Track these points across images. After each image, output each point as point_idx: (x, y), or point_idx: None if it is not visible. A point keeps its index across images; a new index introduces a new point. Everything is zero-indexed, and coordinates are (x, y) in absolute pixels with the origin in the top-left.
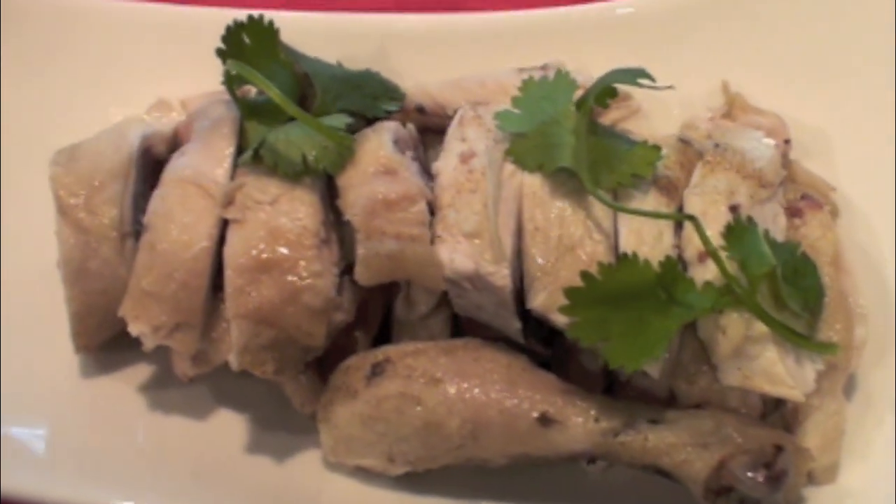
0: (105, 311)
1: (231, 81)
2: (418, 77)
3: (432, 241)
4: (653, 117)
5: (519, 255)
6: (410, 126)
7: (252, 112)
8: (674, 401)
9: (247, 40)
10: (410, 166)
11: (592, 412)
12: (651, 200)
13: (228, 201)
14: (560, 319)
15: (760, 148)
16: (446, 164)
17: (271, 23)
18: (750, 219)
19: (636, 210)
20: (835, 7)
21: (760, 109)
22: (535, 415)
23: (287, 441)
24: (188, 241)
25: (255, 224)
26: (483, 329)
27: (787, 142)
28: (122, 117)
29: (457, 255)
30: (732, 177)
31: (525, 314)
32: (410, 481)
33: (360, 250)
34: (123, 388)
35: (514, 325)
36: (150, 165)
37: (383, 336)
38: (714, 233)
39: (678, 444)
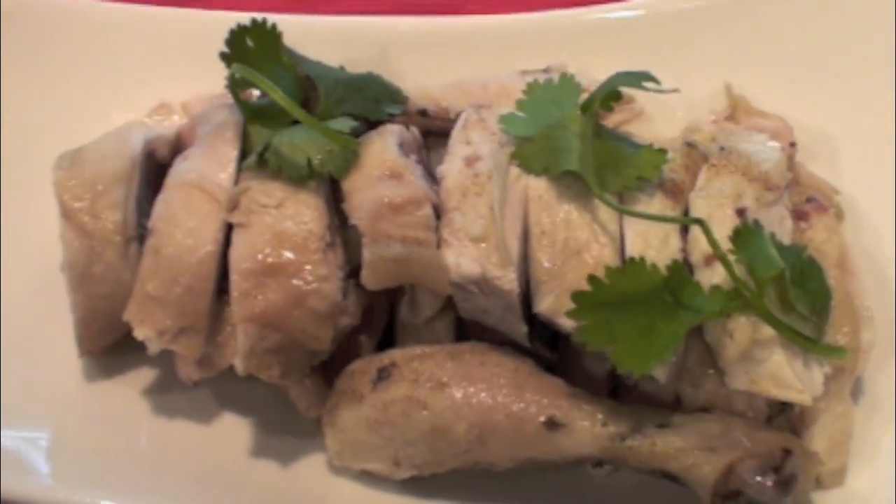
0: (109, 315)
1: (235, 85)
2: (420, 80)
3: (438, 245)
4: (655, 120)
5: (525, 259)
6: (414, 129)
7: (255, 116)
8: (679, 404)
9: (250, 44)
10: (415, 170)
11: (599, 416)
12: (657, 204)
13: (233, 205)
14: (567, 323)
15: (766, 151)
16: (451, 167)
17: (274, 26)
18: (757, 222)
19: (644, 214)
20: (837, 10)
21: (764, 112)
22: (542, 419)
23: (292, 445)
24: (193, 245)
25: (260, 228)
26: (488, 332)
27: (792, 145)
28: (124, 121)
29: (463, 258)
30: (738, 180)
31: (530, 318)
32: (416, 485)
33: (367, 254)
34: (127, 391)
35: (521, 329)
36: (153, 169)
37: (388, 340)
38: (721, 236)
39: (686, 448)
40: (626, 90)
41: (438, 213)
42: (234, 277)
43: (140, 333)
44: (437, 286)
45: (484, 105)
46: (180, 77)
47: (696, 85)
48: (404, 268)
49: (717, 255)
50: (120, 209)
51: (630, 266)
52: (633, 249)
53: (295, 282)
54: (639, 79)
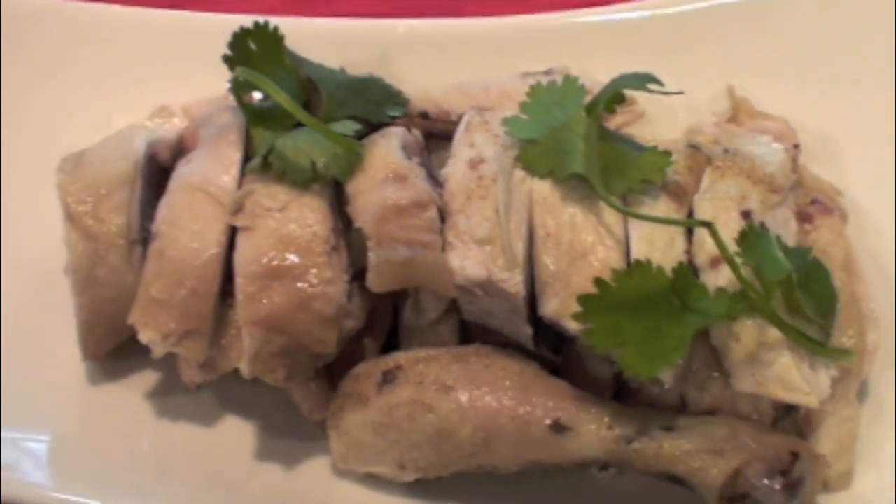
0: (113, 318)
1: (239, 88)
2: (420, 82)
3: (443, 248)
4: (657, 122)
5: (529, 262)
6: (416, 132)
7: (258, 118)
8: (684, 407)
9: (253, 46)
10: (419, 172)
11: (606, 419)
12: (661, 206)
13: (237, 208)
14: (573, 326)
15: (770, 153)
16: (455, 169)
17: (276, 29)
18: (763, 224)
19: (651, 216)
20: (839, 11)
21: (767, 114)
22: (548, 422)
23: (295, 448)
24: (197, 248)
25: (265, 231)
26: (491, 335)
27: (795, 146)
28: (125, 124)
29: (468, 261)
30: (743, 182)
31: (535, 320)
32: (420, 488)
33: (372, 257)
34: (130, 394)
35: (526, 332)
36: (155, 172)
37: (391, 342)
38: (727, 239)
39: (693, 451)
40: (627, 92)
41: (442, 215)
42: (240, 280)
43: (144, 337)
44: (442, 289)
45: (486, 107)
46: (180, 80)
47: (697, 87)
48: (410, 271)
49: (726, 258)
50: (123, 212)
51: (636, 269)
52: (638, 252)
53: (300, 285)
54: (643, 81)
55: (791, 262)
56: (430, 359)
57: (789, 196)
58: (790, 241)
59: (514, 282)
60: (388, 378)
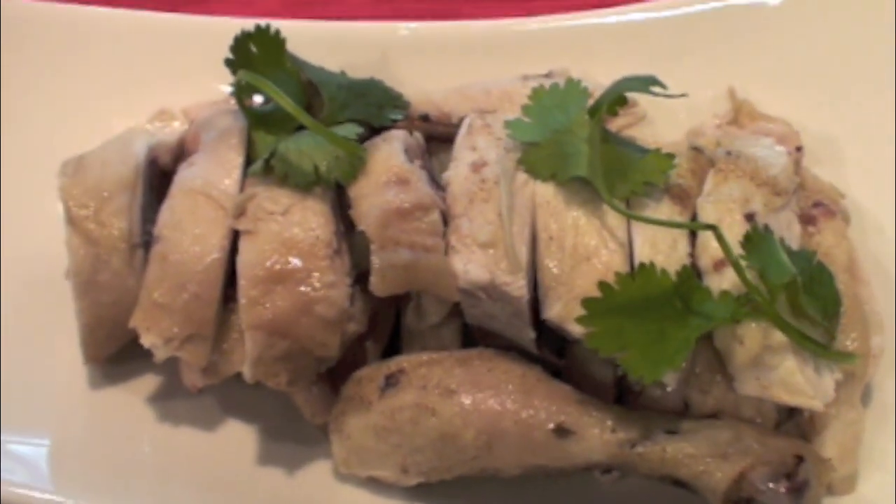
0: (115, 322)
1: (241, 91)
2: (421, 85)
3: (445, 252)
4: (658, 124)
5: (532, 265)
6: (417, 135)
7: (259, 122)
8: (687, 411)
9: (254, 50)
10: (422, 175)
11: (609, 423)
12: (664, 209)
13: (240, 212)
14: (577, 329)
15: (773, 155)
16: (457, 173)
17: (278, 32)
18: (767, 227)
19: (655, 219)
20: (840, 13)
21: (769, 116)
22: (552, 425)
23: (297, 452)
24: (200, 252)
25: (267, 235)
26: (494, 338)
27: (798, 149)
28: (125, 127)
29: (471, 265)
30: (746, 184)
31: (538, 324)
32: (422, 492)
33: (375, 261)
34: (132, 398)
35: (529, 335)
36: (156, 176)
37: (393, 346)
38: (730, 241)
39: (697, 454)
40: (629, 94)
41: (445, 219)
42: (242, 284)
43: (147, 341)
44: (444, 292)
45: (486, 110)
46: (181, 83)
47: (698, 89)
48: (413, 274)
49: (730, 261)
50: (125, 216)
51: (640, 272)
52: (641, 255)
53: (303, 289)
54: (646, 83)
55: (795, 265)
56: (433, 362)
57: (792, 199)
58: (794, 244)
59: (518, 285)
60: (390, 382)
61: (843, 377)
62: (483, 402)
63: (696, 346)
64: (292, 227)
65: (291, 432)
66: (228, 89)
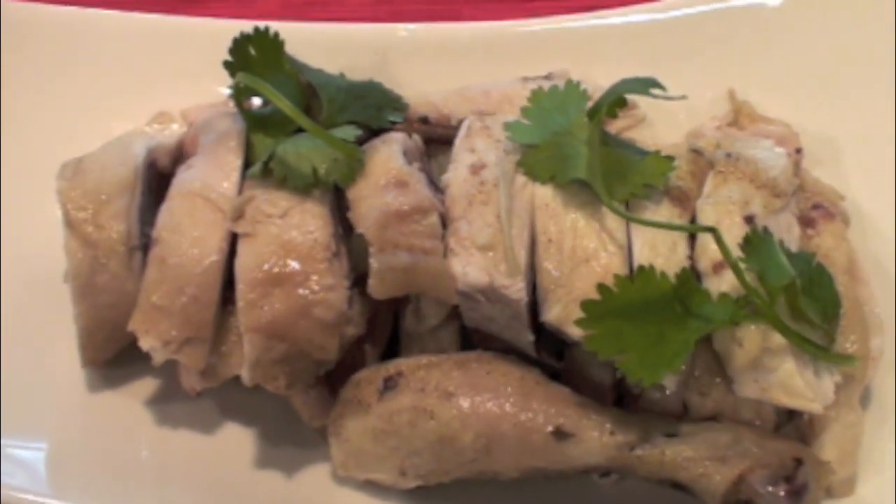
0: (113, 325)
1: (239, 94)
2: (420, 87)
3: (444, 254)
4: (658, 126)
5: (531, 268)
6: (416, 137)
7: (258, 124)
8: (686, 413)
9: (253, 52)
10: (421, 178)
11: (608, 425)
12: (663, 211)
13: (238, 215)
14: (576, 332)
15: (773, 157)
16: (456, 175)
17: (277, 34)
18: (766, 229)
19: (654, 222)
20: (840, 15)
21: (769, 118)
22: (550, 428)
23: (295, 455)
24: (198, 255)
25: (266, 238)
26: (493, 341)
27: (798, 150)
28: (123, 129)
29: (470, 267)
30: (746, 186)
31: (537, 326)
32: (420, 495)
33: (374, 264)
34: (130, 401)
35: (527, 338)
36: (155, 178)
37: (392, 349)
38: (730, 244)
39: (696, 457)
40: (628, 96)
41: (444, 221)
42: (241, 287)
43: (145, 344)
44: (443, 295)
45: (486, 112)
46: (180, 85)
47: (697, 90)
48: (411, 277)
49: (730, 263)
50: (123, 219)
51: (639, 274)
52: (641, 257)
53: (301, 291)
54: (645, 85)
55: (795, 268)
56: (432, 365)
57: (792, 201)
58: (793, 246)
59: (517, 288)
60: (389, 385)
61: (842, 379)
62: (481, 404)
63: (696, 349)
64: (291, 230)
65: (290, 435)
66: (228, 91)
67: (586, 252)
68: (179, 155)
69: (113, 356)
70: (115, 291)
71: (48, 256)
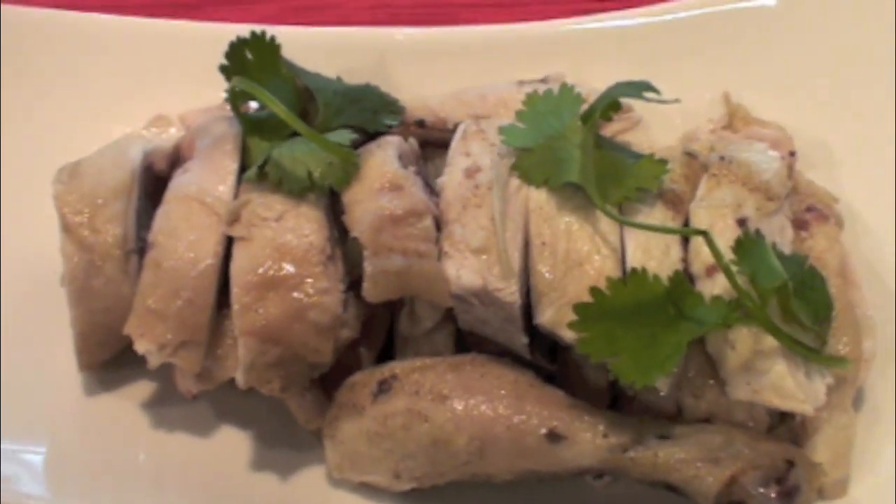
0: (109, 329)
1: (235, 98)
2: (417, 90)
3: (439, 257)
4: (653, 128)
5: (525, 271)
6: (412, 140)
7: (254, 128)
8: (680, 415)
9: (249, 56)
10: (415, 181)
11: (601, 428)
12: (657, 214)
13: (234, 218)
14: (569, 335)
15: (766, 160)
16: (451, 178)
17: (273, 38)
18: (759, 232)
19: (647, 225)
20: (834, 18)
21: (763, 121)
22: (544, 431)
23: (291, 457)
24: (194, 258)
25: (261, 241)
26: (487, 344)
27: (792, 153)
28: (121, 133)
29: (464, 270)
30: (739, 189)
31: (530, 329)
32: (415, 497)
33: (368, 267)
34: (126, 405)
35: (521, 341)
36: (151, 182)
37: (387, 352)
38: (723, 247)
39: (688, 459)
40: (624, 99)
41: (438, 224)
42: (236, 291)
43: (141, 347)
44: (437, 298)
45: (482, 116)
46: (177, 89)
47: (693, 93)
48: (406, 280)
49: (721, 267)
50: (120, 223)
51: (632, 277)
52: (634, 260)
53: (296, 295)
54: (639, 89)
55: (787, 270)
56: (426, 368)
57: (785, 203)
58: (786, 249)
59: (510, 291)
60: (383, 387)
61: (834, 381)
62: (475, 407)
63: (689, 351)
64: (286, 234)
65: (286, 438)
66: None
67: (580, 255)
68: (176, 159)
69: (110, 359)
70: (111, 295)
71: (46, 260)
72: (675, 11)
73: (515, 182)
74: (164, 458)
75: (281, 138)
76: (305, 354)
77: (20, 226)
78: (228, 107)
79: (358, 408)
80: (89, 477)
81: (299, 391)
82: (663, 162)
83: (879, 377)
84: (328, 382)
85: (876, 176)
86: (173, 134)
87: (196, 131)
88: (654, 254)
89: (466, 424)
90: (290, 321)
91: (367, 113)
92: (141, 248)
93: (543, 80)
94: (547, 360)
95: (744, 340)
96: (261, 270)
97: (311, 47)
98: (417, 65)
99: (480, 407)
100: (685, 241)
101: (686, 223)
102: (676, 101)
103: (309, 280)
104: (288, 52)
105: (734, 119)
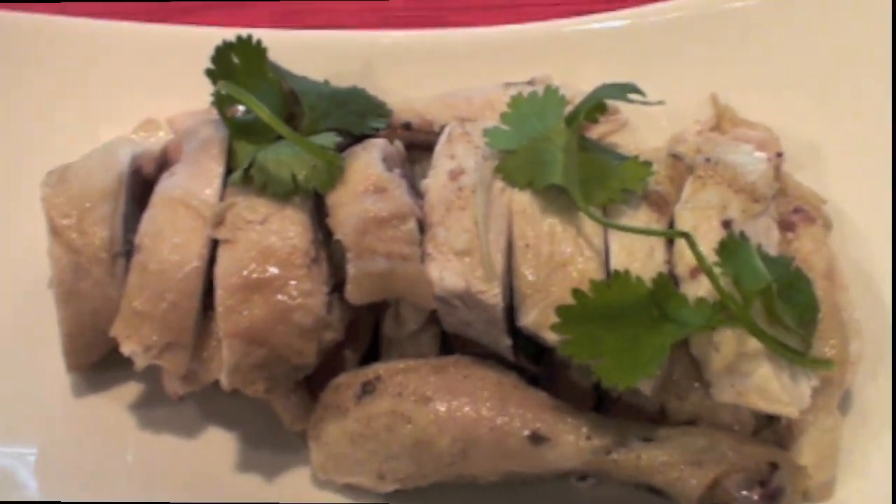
0: (96, 330)
1: (221, 102)
2: (404, 93)
3: (422, 260)
4: (640, 130)
5: (509, 273)
6: (398, 143)
7: (240, 132)
8: (664, 417)
9: (236, 60)
10: (400, 184)
11: (584, 430)
12: (642, 216)
13: (219, 221)
14: (552, 337)
15: (752, 162)
16: (435, 181)
17: (259, 42)
18: (743, 234)
19: (629, 227)
20: (822, 19)
21: (751, 122)
22: (527, 433)
23: (276, 458)
24: (179, 261)
25: (245, 244)
26: (472, 346)
27: (778, 155)
28: (110, 136)
29: (447, 273)
30: (724, 191)
31: (514, 331)
32: (399, 498)
33: (351, 269)
34: (114, 406)
35: (504, 343)
36: (140, 185)
37: (372, 354)
38: (707, 248)
39: (671, 462)
40: (610, 101)
41: (423, 227)
42: (220, 293)
43: (126, 349)
44: (421, 300)
45: (468, 118)
46: (166, 93)
47: (680, 95)
48: (389, 282)
49: (703, 269)
50: (107, 225)
51: (615, 279)
52: (617, 262)
53: (280, 297)
54: (624, 91)
55: (772, 272)
56: (410, 370)
57: (771, 205)
58: (772, 250)
59: (493, 293)
60: (367, 389)
61: (820, 384)
62: (458, 409)
63: (674, 353)
64: (270, 236)
65: (271, 438)
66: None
67: (563, 257)
68: (164, 162)
69: (97, 361)
70: (98, 297)
71: (34, 262)
72: (664, 13)
73: (499, 184)
74: (151, 458)
75: (268, 141)
76: (289, 356)
77: (8, 228)
78: (215, 110)
79: (342, 409)
80: (77, 477)
81: (284, 393)
82: (648, 164)
83: (867, 380)
84: (313, 384)
85: (864, 178)
86: (161, 137)
87: (183, 135)
88: (637, 256)
89: (450, 426)
90: (274, 323)
91: (353, 116)
92: (128, 250)
93: (530, 83)
94: (531, 361)
95: (728, 342)
96: (245, 273)
97: (299, 50)
98: (405, 68)
99: (464, 408)
100: (670, 242)
101: (671, 225)
102: (661, 102)
103: (293, 282)
104: (276, 56)
105: (722, 120)
